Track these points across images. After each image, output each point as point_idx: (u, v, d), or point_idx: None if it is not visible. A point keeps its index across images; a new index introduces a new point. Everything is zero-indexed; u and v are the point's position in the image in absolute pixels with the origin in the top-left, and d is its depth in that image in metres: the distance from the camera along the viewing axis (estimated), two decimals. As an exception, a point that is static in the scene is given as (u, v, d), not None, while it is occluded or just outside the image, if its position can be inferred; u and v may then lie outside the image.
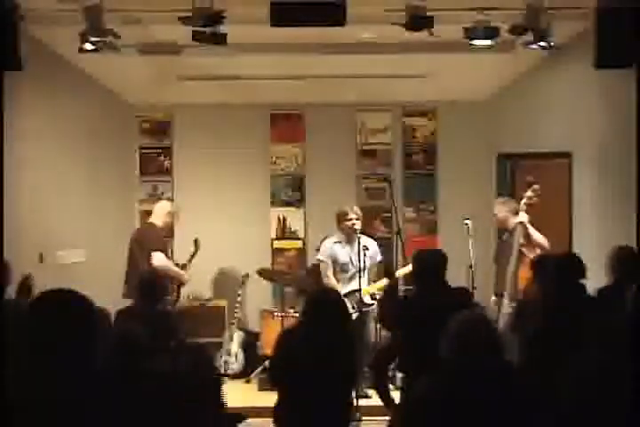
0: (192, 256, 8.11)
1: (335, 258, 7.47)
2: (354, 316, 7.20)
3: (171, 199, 8.71)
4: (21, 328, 2.88)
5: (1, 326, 3.45)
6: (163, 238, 7.77)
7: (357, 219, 7.38)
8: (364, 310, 7.29)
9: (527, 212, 6.85)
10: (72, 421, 2.74)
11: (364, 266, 7.27)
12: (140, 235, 7.78)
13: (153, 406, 3.20)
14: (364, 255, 7.20)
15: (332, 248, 7.48)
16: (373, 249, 7.52)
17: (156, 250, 7.52)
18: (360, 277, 7.22)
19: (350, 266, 7.41)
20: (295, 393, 4.78)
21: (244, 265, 8.71)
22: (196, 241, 8.14)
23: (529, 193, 6.85)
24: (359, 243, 7.22)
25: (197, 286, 8.56)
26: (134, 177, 9.15)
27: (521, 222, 6.84)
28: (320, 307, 4.81)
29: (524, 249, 6.83)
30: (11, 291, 5.36)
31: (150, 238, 7.63)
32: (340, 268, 7.47)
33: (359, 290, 7.25)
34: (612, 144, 6.91)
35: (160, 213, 7.82)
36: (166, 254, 7.76)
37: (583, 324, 4.79)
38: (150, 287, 6.00)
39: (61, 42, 6.86)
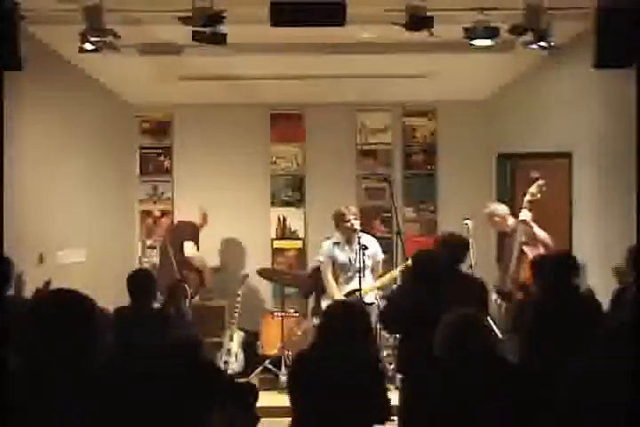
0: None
1: (334, 259, 7.48)
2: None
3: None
4: (22, 327, 2.88)
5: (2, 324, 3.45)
6: (197, 232, 7.91)
7: (355, 218, 7.37)
8: (364, 309, 7.29)
9: (530, 210, 6.82)
10: (72, 421, 2.74)
11: (364, 265, 7.27)
12: (173, 231, 7.96)
13: (152, 406, 3.20)
14: (363, 255, 7.20)
15: (331, 249, 7.49)
16: (374, 248, 7.52)
17: (188, 240, 7.73)
18: (360, 276, 7.22)
19: (350, 266, 7.41)
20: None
21: (244, 265, 8.74)
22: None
23: (532, 189, 6.81)
24: (359, 242, 7.23)
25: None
26: (134, 177, 9.15)
27: (523, 221, 6.83)
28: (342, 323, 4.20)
29: (526, 248, 6.81)
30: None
31: (183, 230, 7.93)
32: (339, 268, 7.48)
33: (359, 290, 7.24)
34: (612, 144, 6.91)
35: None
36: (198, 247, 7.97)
37: (578, 323, 4.80)
38: (147, 285, 5.97)
39: (61, 42, 6.86)
